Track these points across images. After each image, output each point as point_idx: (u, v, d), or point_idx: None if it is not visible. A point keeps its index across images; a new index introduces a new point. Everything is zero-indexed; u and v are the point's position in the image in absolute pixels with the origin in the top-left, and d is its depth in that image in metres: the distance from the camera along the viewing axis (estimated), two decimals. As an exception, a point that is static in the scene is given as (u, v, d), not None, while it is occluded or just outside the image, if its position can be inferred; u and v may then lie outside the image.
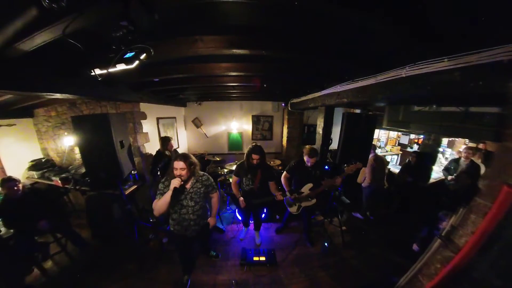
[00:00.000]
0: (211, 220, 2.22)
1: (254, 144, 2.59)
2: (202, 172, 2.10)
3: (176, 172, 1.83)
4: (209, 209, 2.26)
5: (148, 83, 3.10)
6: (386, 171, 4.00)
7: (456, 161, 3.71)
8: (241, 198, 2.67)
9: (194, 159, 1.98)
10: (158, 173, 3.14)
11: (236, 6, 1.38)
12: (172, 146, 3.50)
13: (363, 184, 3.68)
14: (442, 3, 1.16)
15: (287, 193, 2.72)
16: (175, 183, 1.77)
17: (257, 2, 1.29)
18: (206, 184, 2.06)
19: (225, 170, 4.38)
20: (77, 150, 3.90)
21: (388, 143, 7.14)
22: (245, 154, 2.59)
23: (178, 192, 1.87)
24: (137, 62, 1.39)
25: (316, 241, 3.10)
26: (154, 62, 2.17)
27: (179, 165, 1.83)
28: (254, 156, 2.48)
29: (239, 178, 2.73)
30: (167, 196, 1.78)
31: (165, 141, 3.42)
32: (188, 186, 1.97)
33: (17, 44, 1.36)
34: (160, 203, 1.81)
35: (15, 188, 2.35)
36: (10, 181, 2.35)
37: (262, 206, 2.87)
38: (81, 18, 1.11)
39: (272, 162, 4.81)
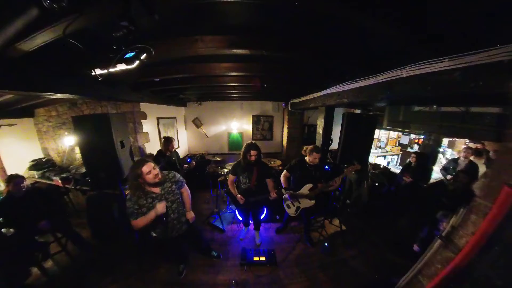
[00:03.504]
0: (188, 215, 2.14)
1: (250, 142, 2.60)
2: (167, 171, 2.05)
3: (153, 173, 1.74)
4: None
5: (148, 83, 3.11)
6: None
7: (454, 160, 3.71)
8: (239, 196, 2.67)
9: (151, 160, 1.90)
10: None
11: (236, 6, 1.38)
12: (174, 147, 3.49)
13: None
14: (443, 3, 1.16)
15: (283, 190, 2.70)
16: (162, 209, 1.75)
17: (258, 2, 1.30)
18: (175, 181, 2.02)
19: (225, 170, 4.38)
20: (77, 150, 3.91)
21: (389, 143, 7.15)
22: (241, 152, 2.59)
23: (163, 215, 1.82)
24: (137, 62, 1.39)
25: (316, 241, 3.09)
26: (154, 62, 2.17)
27: (150, 166, 1.74)
28: (253, 152, 2.48)
29: (236, 176, 2.74)
30: (151, 217, 1.74)
31: (167, 141, 3.42)
32: (158, 190, 1.88)
33: (18, 44, 1.36)
34: (143, 223, 1.74)
35: (22, 185, 2.39)
36: (18, 178, 2.40)
37: (259, 204, 2.87)
38: (81, 18, 1.11)
39: (272, 162, 4.81)
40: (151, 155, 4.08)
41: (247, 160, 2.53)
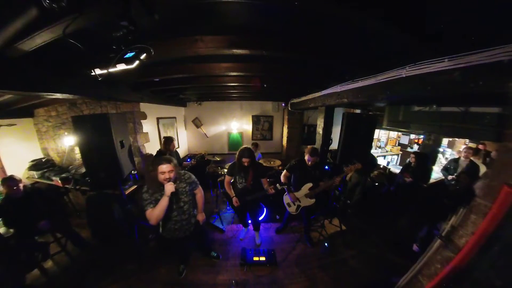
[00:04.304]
0: (199, 216, 2.19)
1: (244, 147, 2.60)
2: (183, 171, 2.10)
3: (165, 176, 1.78)
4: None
5: (148, 83, 3.11)
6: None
7: (455, 160, 3.71)
8: (235, 198, 2.68)
9: (175, 160, 1.94)
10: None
11: (236, 6, 1.38)
12: (174, 146, 3.50)
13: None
14: (443, 3, 1.16)
15: (278, 185, 2.69)
16: (171, 188, 1.74)
17: (258, 2, 1.29)
18: (189, 182, 2.05)
19: (225, 170, 4.38)
20: (77, 150, 3.90)
21: (388, 143, 7.15)
22: (236, 156, 2.60)
23: (174, 196, 1.84)
24: (137, 62, 1.38)
25: (316, 241, 3.10)
26: (154, 62, 2.17)
27: (167, 168, 1.79)
28: (245, 160, 2.51)
29: (233, 177, 2.77)
30: (164, 202, 1.75)
31: (167, 141, 3.42)
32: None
33: (18, 44, 1.36)
34: (158, 212, 1.76)
35: (15, 188, 2.35)
36: (11, 180, 2.36)
37: (256, 203, 2.89)
38: (81, 18, 1.11)
39: (272, 162, 4.81)
40: (150, 155, 4.08)
41: (241, 164, 2.57)
